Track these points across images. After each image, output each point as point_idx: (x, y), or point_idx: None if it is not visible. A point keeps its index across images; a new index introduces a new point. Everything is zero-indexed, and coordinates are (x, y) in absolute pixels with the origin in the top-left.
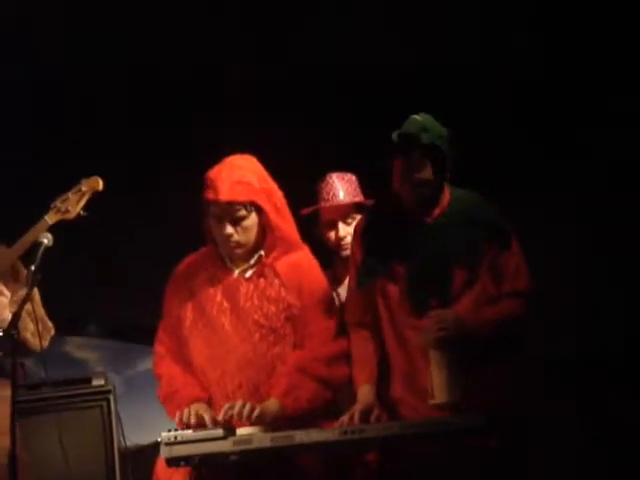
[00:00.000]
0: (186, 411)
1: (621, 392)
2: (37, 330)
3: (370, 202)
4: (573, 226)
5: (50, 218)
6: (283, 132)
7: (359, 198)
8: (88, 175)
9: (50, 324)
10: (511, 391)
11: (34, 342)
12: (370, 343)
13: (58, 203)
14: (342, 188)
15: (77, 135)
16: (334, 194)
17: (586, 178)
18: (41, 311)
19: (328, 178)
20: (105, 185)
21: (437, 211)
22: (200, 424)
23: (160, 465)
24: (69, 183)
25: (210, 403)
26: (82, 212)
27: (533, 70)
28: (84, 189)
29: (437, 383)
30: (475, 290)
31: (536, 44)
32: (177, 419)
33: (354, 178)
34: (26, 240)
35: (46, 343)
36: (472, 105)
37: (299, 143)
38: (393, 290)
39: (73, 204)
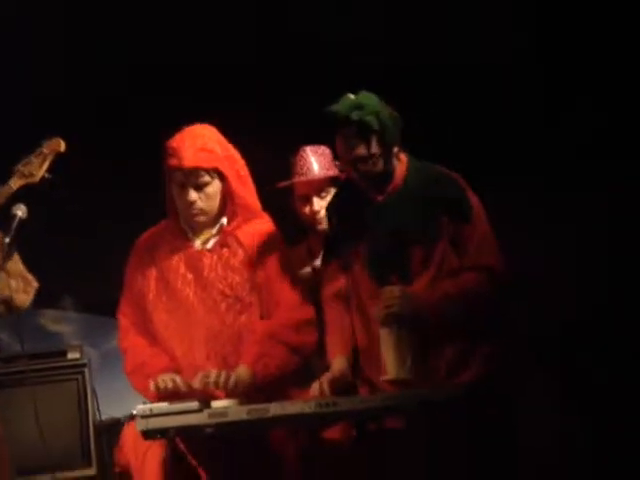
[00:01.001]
0: (160, 378)
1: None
2: (17, 286)
3: (343, 176)
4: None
5: (14, 183)
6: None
7: (333, 172)
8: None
9: (31, 277)
10: (488, 368)
11: (17, 298)
12: (345, 315)
13: (21, 167)
14: (316, 162)
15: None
16: (308, 168)
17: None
18: (20, 267)
19: (302, 152)
20: (67, 147)
21: (390, 187)
22: (175, 392)
23: (128, 439)
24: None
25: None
26: (46, 175)
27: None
28: (46, 151)
29: (386, 359)
30: (433, 266)
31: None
32: (152, 386)
33: (328, 151)
34: None
35: (30, 297)
36: (471, 103)
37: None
38: (356, 268)
39: (36, 167)
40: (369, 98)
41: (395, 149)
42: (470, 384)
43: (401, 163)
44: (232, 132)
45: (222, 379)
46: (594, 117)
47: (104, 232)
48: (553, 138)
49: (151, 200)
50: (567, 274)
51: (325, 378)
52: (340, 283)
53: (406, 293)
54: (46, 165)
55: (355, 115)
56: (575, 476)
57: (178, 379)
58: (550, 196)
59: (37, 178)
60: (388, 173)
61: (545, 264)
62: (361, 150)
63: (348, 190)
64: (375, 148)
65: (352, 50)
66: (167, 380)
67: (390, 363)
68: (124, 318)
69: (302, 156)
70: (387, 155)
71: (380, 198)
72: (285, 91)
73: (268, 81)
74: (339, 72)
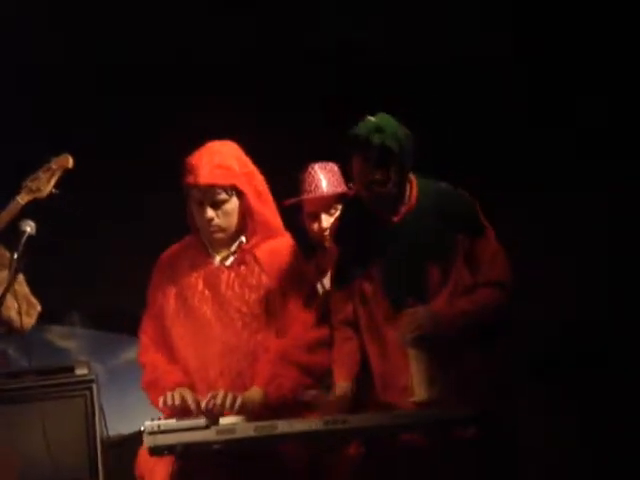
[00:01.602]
0: (169, 394)
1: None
2: (20, 309)
3: (352, 193)
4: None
5: (22, 198)
6: (266, 118)
7: (341, 189)
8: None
9: (35, 300)
10: (494, 383)
11: (19, 320)
12: (352, 341)
13: (29, 182)
14: (325, 179)
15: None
16: (316, 185)
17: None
18: (25, 289)
19: (310, 169)
20: (75, 164)
21: (404, 209)
22: (184, 407)
23: (142, 455)
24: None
25: (193, 391)
26: (54, 190)
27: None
28: (54, 167)
29: (417, 381)
30: (450, 284)
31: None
32: (161, 402)
33: (336, 168)
34: (0, 221)
35: (33, 320)
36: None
37: (283, 129)
38: (369, 291)
39: (44, 183)
40: (388, 121)
41: (409, 172)
42: (478, 402)
43: (411, 183)
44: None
45: (229, 400)
46: (592, 116)
47: (114, 248)
48: (553, 137)
49: (161, 214)
50: (566, 275)
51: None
52: (349, 309)
53: (432, 313)
54: (54, 181)
55: (377, 139)
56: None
57: (188, 395)
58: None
59: (45, 193)
60: (401, 195)
61: (544, 265)
62: (380, 174)
63: (354, 209)
64: (394, 172)
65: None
66: (176, 396)
67: (421, 384)
68: (144, 335)
69: (310, 173)
70: (403, 178)
71: (395, 219)
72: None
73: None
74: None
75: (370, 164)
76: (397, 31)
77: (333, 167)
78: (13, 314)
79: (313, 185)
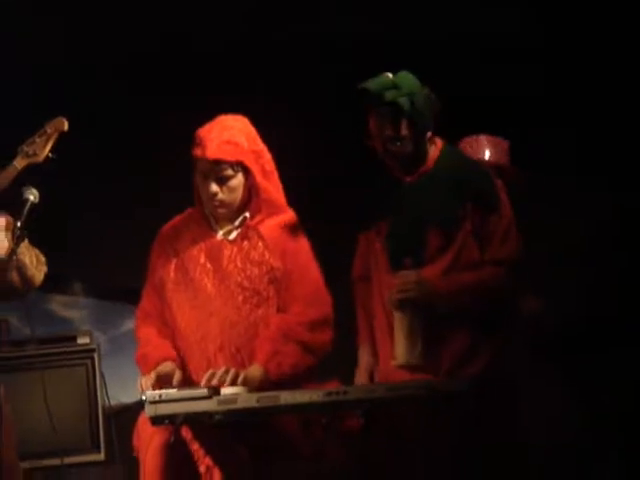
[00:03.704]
0: (144, 378)
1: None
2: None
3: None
4: None
5: (19, 163)
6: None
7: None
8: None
9: (43, 258)
10: (495, 361)
11: (32, 271)
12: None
13: (25, 147)
14: (488, 150)
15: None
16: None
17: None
18: (30, 247)
19: (475, 138)
20: (69, 129)
21: (420, 170)
22: (167, 383)
23: (140, 424)
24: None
25: (187, 365)
26: (50, 155)
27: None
28: (49, 131)
29: (397, 344)
30: (450, 253)
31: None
32: (137, 385)
33: (504, 144)
34: None
35: (42, 276)
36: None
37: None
38: (378, 247)
39: (40, 147)
40: (406, 79)
41: (429, 133)
42: (476, 377)
43: (435, 148)
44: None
45: (230, 376)
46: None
47: (117, 217)
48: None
49: (166, 184)
50: (570, 267)
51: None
52: (366, 264)
53: (422, 279)
54: (50, 145)
55: (389, 95)
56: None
57: (170, 371)
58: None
59: (41, 158)
60: (418, 156)
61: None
62: (391, 131)
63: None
64: (405, 130)
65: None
66: (148, 381)
67: (401, 348)
68: (141, 306)
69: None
70: (418, 138)
71: (409, 180)
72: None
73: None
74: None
75: (382, 120)
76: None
77: (501, 142)
78: (27, 260)
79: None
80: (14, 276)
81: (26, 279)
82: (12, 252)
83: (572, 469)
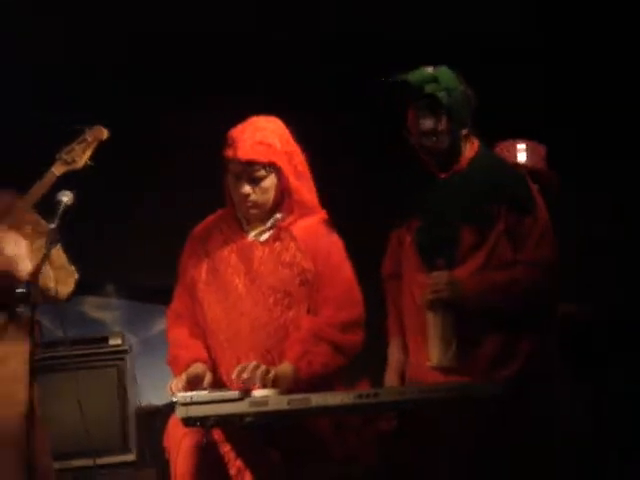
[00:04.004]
0: (175, 380)
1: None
2: (57, 278)
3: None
4: None
5: (57, 169)
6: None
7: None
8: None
9: (72, 268)
10: (531, 360)
11: (55, 289)
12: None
13: (64, 154)
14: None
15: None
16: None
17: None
18: (62, 258)
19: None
20: (110, 135)
21: (455, 167)
22: (197, 385)
23: (171, 425)
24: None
25: (218, 366)
26: (89, 162)
27: None
28: (89, 139)
29: (431, 345)
30: (483, 252)
31: None
32: (168, 388)
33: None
34: (35, 192)
35: (69, 288)
36: None
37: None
38: (409, 244)
39: (79, 154)
40: (446, 73)
41: (465, 130)
42: (510, 380)
43: (471, 146)
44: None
45: (260, 372)
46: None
47: (148, 219)
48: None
49: (197, 185)
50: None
51: (392, 372)
52: (397, 261)
53: (454, 279)
54: (89, 153)
55: (428, 88)
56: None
57: (201, 373)
58: None
59: (79, 165)
60: (454, 152)
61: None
62: (428, 124)
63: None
64: (442, 125)
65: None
66: (180, 382)
67: (434, 349)
68: (173, 307)
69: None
70: (454, 134)
71: (443, 176)
72: None
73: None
74: None
75: (419, 113)
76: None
77: (538, 147)
78: (50, 283)
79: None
80: (42, 286)
81: (51, 298)
82: (44, 258)
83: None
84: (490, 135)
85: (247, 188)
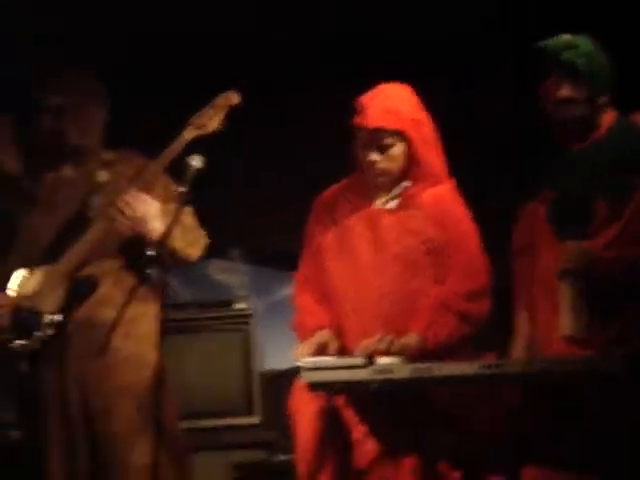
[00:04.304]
0: (301, 345)
1: None
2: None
3: None
4: None
5: (187, 134)
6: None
7: None
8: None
9: (202, 232)
10: None
11: (185, 251)
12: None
13: (195, 119)
14: None
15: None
16: None
17: None
18: (192, 221)
19: None
20: (242, 100)
21: (591, 137)
22: (323, 351)
23: (295, 390)
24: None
25: (344, 333)
26: (220, 127)
27: None
28: (220, 103)
29: (562, 315)
30: (617, 225)
31: None
32: (294, 354)
33: None
34: (166, 155)
35: (199, 251)
36: None
37: None
38: (542, 216)
39: (210, 119)
40: (584, 41)
41: (603, 99)
42: (629, 356)
43: (609, 115)
44: None
45: (385, 344)
46: None
47: (274, 184)
48: None
49: (326, 151)
50: None
51: (518, 344)
52: (526, 234)
53: (587, 250)
54: (220, 117)
55: (566, 55)
56: None
57: (327, 340)
58: None
59: (210, 130)
60: (591, 122)
61: None
62: (565, 92)
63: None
64: (580, 93)
65: None
66: (307, 347)
67: (565, 319)
68: (299, 274)
69: None
70: (592, 102)
71: (578, 146)
72: None
73: None
74: None
75: (556, 81)
76: None
77: None
78: (179, 245)
79: None
80: (170, 248)
81: (180, 260)
82: (175, 220)
83: None
84: (629, 105)
85: (375, 156)
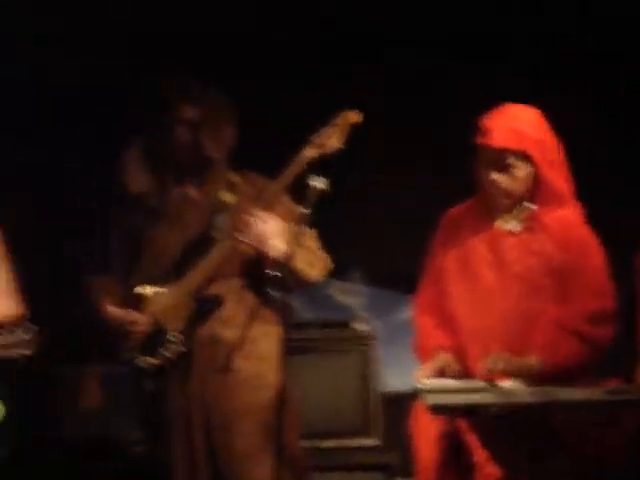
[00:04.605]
0: (421, 367)
1: None
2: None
3: None
4: None
5: (308, 152)
6: None
7: None
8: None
9: (324, 254)
10: None
11: (306, 272)
12: None
13: (315, 137)
14: None
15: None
16: None
17: None
18: (314, 242)
19: None
20: (364, 119)
21: None
22: (443, 372)
23: (417, 412)
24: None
25: (465, 356)
26: (340, 146)
27: None
28: (340, 122)
29: None
30: None
31: None
32: (416, 375)
33: None
34: (287, 174)
35: (320, 273)
36: None
37: None
38: None
39: (329, 138)
40: None
41: None
42: None
43: None
44: None
45: (504, 364)
46: None
47: (395, 207)
48: None
49: (449, 171)
50: None
51: None
52: None
53: None
54: (340, 136)
55: None
56: None
57: (448, 364)
58: None
59: (331, 149)
60: None
61: None
62: None
63: None
64: None
65: None
66: (429, 370)
67: None
68: (419, 295)
69: None
70: None
71: None
72: None
73: None
74: None
75: None
76: None
77: None
78: (300, 265)
79: None
80: (292, 268)
81: (301, 281)
82: (297, 240)
83: None
84: None
85: (497, 176)
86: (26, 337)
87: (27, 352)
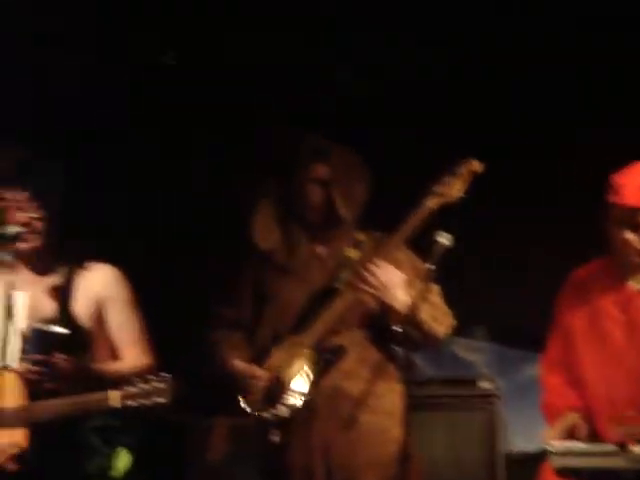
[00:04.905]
0: (549, 428)
1: None
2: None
3: None
4: None
5: (430, 202)
6: None
7: None
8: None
9: (448, 311)
10: None
11: (431, 326)
12: None
13: (437, 187)
14: None
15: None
16: None
17: None
18: (439, 298)
19: None
20: (484, 167)
21: None
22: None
23: (545, 474)
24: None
25: (594, 417)
26: (462, 195)
27: None
28: (462, 171)
29: None
30: None
31: None
32: (545, 436)
33: None
34: (410, 224)
35: (445, 329)
36: None
37: None
38: None
39: (452, 187)
40: None
41: None
42: None
43: None
44: None
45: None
46: None
47: (518, 264)
48: None
49: (572, 232)
50: None
51: None
52: None
53: None
54: (462, 185)
55: None
56: None
57: (576, 426)
58: None
59: (452, 199)
60: None
61: None
62: None
63: None
64: None
65: None
66: (557, 432)
67: None
68: (547, 354)
69: None
70: None
71: None
72: None
73: None
74: None
75: None
76: None
77: None
78: (425, 317)
79: None
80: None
81: (426, 336)
82: (422, 297)
83: None
84: None
85: (631, 235)
86: (162, 386)
87: (163, 400)
